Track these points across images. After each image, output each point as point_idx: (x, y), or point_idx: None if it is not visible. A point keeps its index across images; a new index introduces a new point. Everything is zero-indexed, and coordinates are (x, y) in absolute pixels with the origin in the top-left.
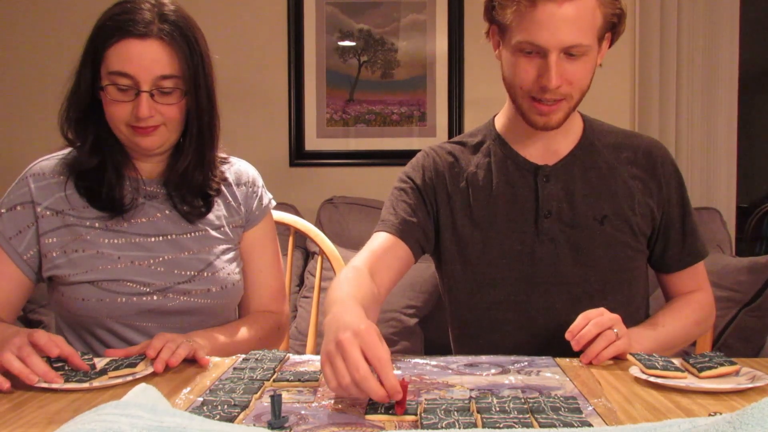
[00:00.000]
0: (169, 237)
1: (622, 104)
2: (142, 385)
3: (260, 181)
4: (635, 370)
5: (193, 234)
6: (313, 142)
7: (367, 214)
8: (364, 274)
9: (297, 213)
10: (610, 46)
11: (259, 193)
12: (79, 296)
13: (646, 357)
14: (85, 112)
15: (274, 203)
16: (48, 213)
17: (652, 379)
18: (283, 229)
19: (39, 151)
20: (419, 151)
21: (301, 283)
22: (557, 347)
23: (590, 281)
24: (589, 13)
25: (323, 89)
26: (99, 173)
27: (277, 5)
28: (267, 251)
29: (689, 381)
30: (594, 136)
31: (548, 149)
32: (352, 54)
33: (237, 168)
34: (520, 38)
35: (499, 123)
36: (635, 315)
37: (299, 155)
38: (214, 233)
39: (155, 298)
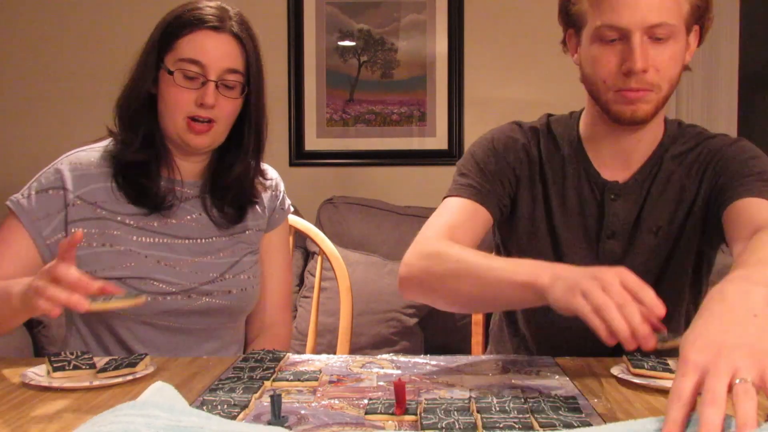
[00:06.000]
0: (197, 241)
1: None
2: (159, 384)
3: (282, 185)
4: (615, 370)
5: (220, 238)
6: (313, 142)
7: (367, 214)
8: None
9: (297, 213)
10: (699, 44)
11: (281, 197)
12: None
13: (639, 357)
14: (141, 106)
15: (292, 209)
16: (79, 202)
17: (631, 378)
18: None
19: (41, 149)
20: (418, 151)
21: (301, 283)
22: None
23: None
24: None
25: (323, 89)
26: (143, 169)
27: (277, 5)
28: (279, 256)
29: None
30: (668, 145)
31: (624, 160)
32: (352, 54)
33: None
34: (599, 23)
35: (582, 125)
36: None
37: (299, 155)
38: (239, 237)
39: (179, 298)
